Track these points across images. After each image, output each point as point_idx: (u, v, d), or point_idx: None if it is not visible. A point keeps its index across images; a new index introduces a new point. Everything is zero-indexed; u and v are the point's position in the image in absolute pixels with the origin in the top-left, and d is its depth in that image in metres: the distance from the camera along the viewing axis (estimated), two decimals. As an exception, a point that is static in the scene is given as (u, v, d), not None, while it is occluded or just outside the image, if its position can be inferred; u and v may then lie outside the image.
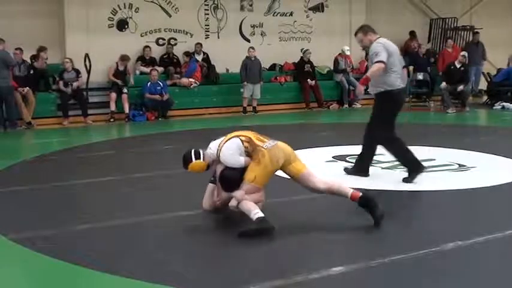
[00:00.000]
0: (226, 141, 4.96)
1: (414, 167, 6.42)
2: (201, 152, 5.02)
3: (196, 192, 5.31)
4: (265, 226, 4.55)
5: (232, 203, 4.81)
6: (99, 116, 12.98)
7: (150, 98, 13.02)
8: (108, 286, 3.77)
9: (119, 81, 12.88)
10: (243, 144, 4.91)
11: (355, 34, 6.63)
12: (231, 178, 4.87)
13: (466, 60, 14.31)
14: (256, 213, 4.63)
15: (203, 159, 5.00)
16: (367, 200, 4.83)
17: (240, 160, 4.89)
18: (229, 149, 4.90)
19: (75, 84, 12.48)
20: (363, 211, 4.82)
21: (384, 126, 6.50)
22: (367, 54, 7.35)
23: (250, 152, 4.90)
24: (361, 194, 4.87)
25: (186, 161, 5.01)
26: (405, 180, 6.37)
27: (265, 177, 4.91)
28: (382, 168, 7.17)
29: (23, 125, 11.78)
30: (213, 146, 5.02)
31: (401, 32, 17.50)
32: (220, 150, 4.93)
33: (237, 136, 4.99)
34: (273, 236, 4.59)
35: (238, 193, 4.79)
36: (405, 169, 6.50)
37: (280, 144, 5.03)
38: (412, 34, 17.50)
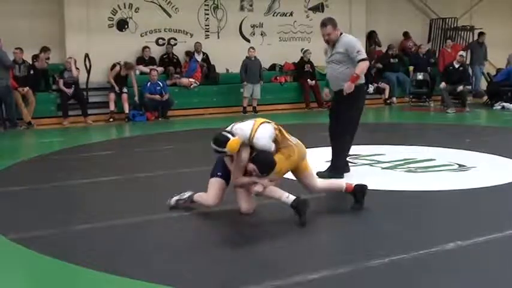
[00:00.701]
0: (260, 124, 5.02)
1: (337, 169, 6.46)
2: (232, 132, 4.99)
3: (196, 193, 5.31)
4: (305, 204, 4.79)
5: (258, 188, 4.85)
6: (99, 116, 12.98)
7: (150, 98, 13.02)
8: (108, 286, 3.77)
9: (117, 88, 12.85)
10: (274, 131, 5.04)
11: (324, 25, 6.35)
12: (269, 160, 4.90)
13: (466, 60, 14.27)
14: (287, 196, 4.83)
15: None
16: (361, 188, 5.26)
17: (272, 145, 4.99)
18: (266, 132, 4.98)
19: (74, 72, 12.45)
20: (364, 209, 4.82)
21: (353, 125, 6.48)
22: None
23: (279, 141, 5.03)
24: (354, 185, 5.27)
25: (223, 140, 4.87)
26: (319, 173, 6.27)
27: (288, 171, 5.12)
28: (382, 168, 7.17)
29: (23, 125, 11.78)
30: (245, 127, 5.00)
31: (401, 32, 17.53)
32: (255, 132, 4.94)
33: (268, 122, 5.10)
34: (273, 235, 4.59)
35: (264, 181, 4.88)
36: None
37: (300, 142, 5.22)
38: (406, 34, 17.50)
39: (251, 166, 4.89)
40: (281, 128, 5.14)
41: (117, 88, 12.84)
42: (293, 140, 5.13)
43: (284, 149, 5.00)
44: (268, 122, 5.10)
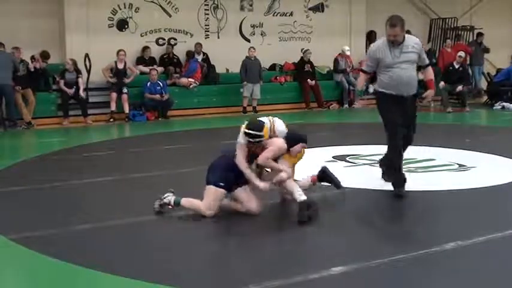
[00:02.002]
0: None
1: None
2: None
3: (197, 193, 5.30)
4: (306, 208, 4.89)
5: (284, 175, 5.03)
6: (99, 116, 12.97)
7: (150, 97, 13.02)
8: (108, 286, 3.77)
9: (108, 77, 12.85)
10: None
11: (394, 26, 5.83)
12: (300, 133, 5.38)
13: (466, 60, 14.25)
14: (300, 194, 4.98)
15: None
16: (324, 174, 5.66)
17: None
18: (282, 123, 5.38)
19: (80, 82, 12.47)
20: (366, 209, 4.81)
21: None
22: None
23: None
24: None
25: (261, 126, 5.12)
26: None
27: (292, 165, 5.32)
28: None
29: (23, 125, 11.78)
30: (262, 119, 5.33)
31: (401, 32, 17.52)
32: (273, 122, 5.32)
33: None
34: (273, 236, 4.59)
35: (289, 169, 5.12)
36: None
37: None
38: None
39: (297, 147, 5.19)
40: None
41: (111, 79, 12.82)
42: None
43: None
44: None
